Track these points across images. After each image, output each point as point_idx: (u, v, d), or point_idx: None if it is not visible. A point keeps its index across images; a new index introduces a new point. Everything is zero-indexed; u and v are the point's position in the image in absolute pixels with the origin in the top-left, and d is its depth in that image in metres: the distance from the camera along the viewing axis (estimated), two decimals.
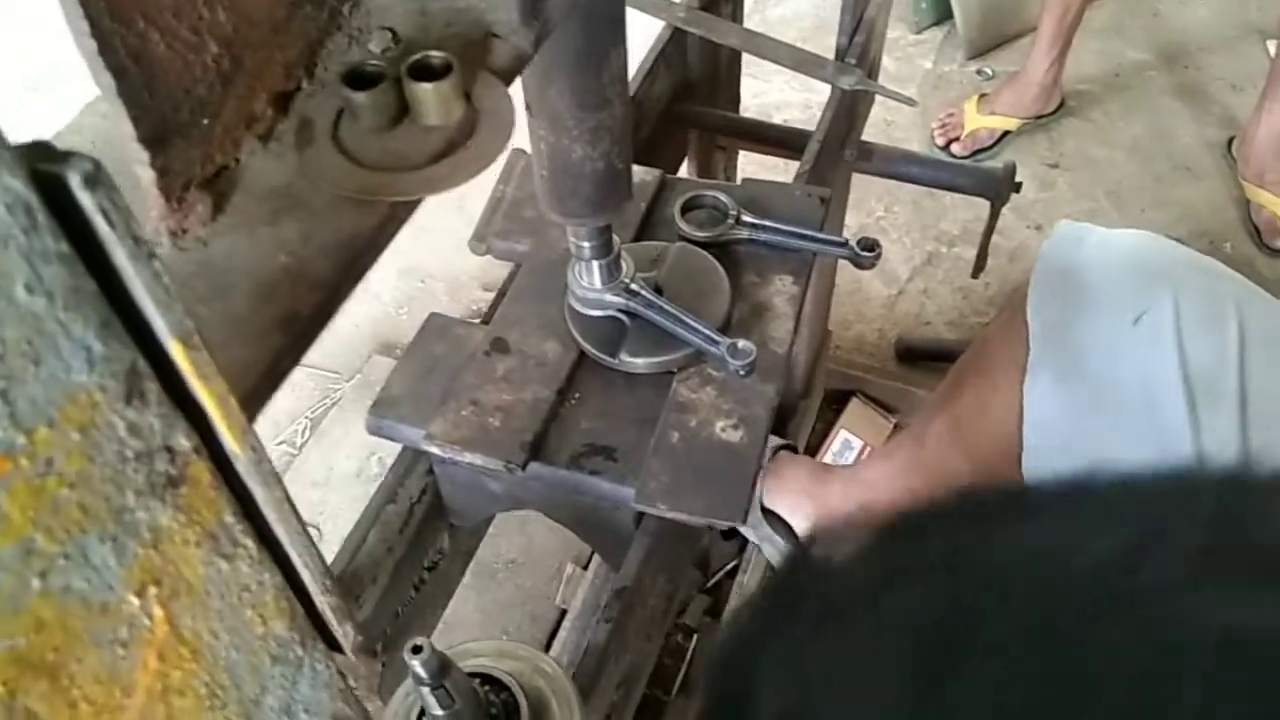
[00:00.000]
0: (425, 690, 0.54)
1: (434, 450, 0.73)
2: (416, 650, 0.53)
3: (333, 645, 0.35)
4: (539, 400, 0.75)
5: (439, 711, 0.55)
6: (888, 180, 2.10)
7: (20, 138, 0.20)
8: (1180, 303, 0.88)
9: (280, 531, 0.29)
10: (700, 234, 0.83)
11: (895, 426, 1.70)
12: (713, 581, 1.56)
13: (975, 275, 1.36)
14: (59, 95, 1.64)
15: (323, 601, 0.33)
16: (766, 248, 0.83)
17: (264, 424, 1.83)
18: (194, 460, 0.25)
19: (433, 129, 0.33)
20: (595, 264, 0.75)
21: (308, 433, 1.81)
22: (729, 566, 1.55)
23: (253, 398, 0.30)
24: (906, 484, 1.27)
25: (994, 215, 1.26)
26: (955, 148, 2.15)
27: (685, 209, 0.84)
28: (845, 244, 0.82)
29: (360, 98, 0.34)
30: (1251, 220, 1.97)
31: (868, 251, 0.81)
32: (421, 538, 0.82)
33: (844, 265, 2.00)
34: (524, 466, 0.72)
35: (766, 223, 0.83)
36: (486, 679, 0.61)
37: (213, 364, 0.24)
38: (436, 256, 1.98)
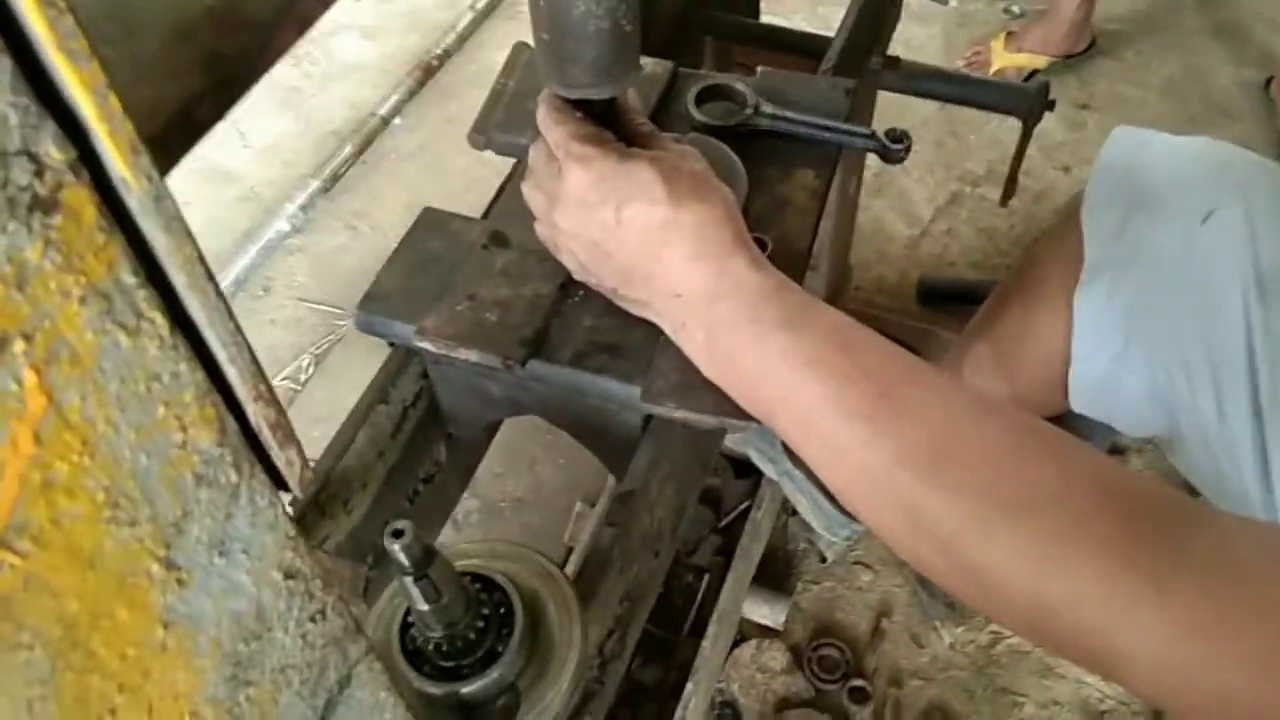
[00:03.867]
0: (409, 581, 0.49)
1: (426, 346, 0.68)
2: (398, 534, 0.48)
3: (279, 482, 0.30)
4: (539, 296, 0.70)
5: (424, 605, 0.51)
6: (910, 119, 2.04)
7: None
8: (1251, 200, 0.84)
9: (194, 306, 0.24)
10: (716, 122, 0.77)
11: None
12: (725, 522, 1.51)
13: (1004, 203, 1.30)
14: None
15: (256, 413, 0.27)
16: (787, 139, 0.77)
17: (267, 359, 1.79)
18: (71, 183, 0.20)
19: None
20: None
21: (311, 369, 1.76)
22: (742, 507, 1.51)
23: (163, 143, 0.24)
24: None
25: (1026, 134, 1.19)
26: None
27: (700, 98, 0.79)
28: (872, 135, 0.76)
29: None
30: None
31: (896, 143, 0.75)
32: (416, 445, 0.77)
33: (865, 206, 1.94)
34: (523, 363, 0.67)
35: (788, 113, 0.77)
36: (478, 578, 0.56)
37: (86, 41, 0.19)
38: (445, 195, 1.93)
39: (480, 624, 0.54)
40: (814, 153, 0.77)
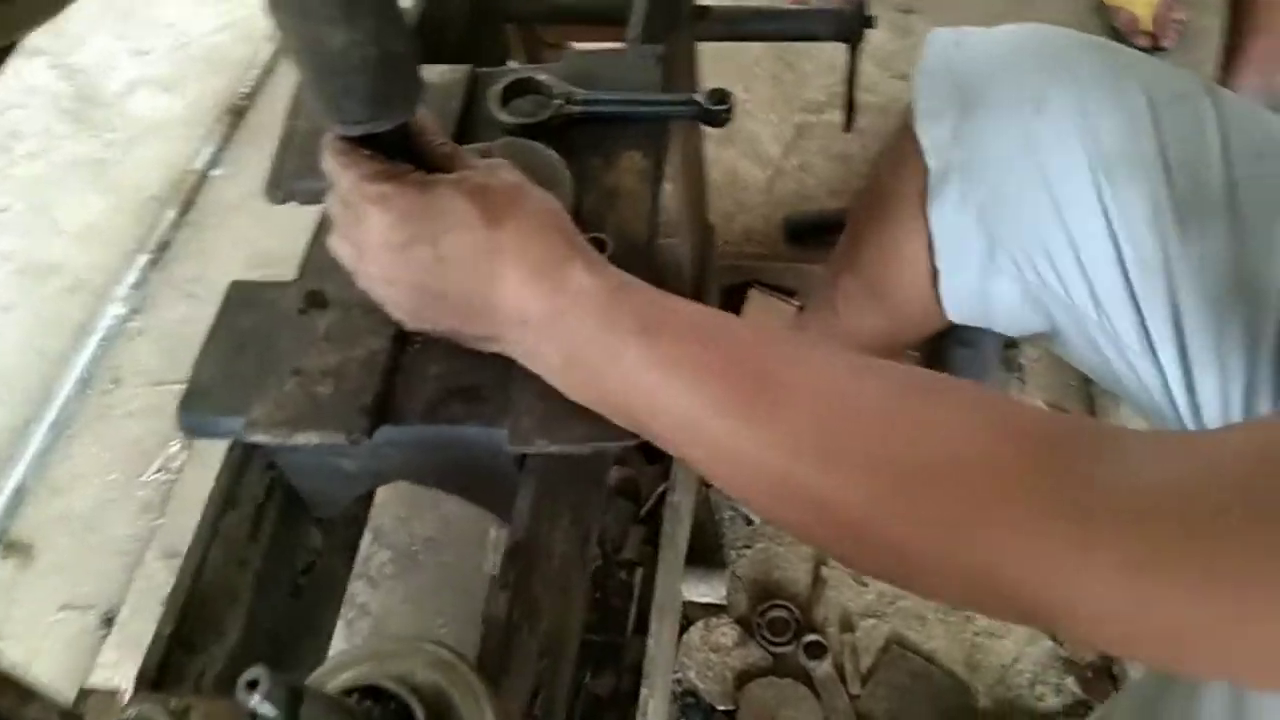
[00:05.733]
0: None
1: (260, 439, 0.61)
2: (253, 684, 0.41)
3: None
4: (373, 353, 0.63)
5: None
6: (741, 59, 2.00)
7: None
8: (1081, 80, 0.82)
9: None
10: (527, 120, 0.71)
11: (800, 309, 1.61)
12: (646, 509, 1.47)
13: (847, 128, 1.27)
14: None
15: None
16: (607, 123, 0.72)
17: (132, 454, 1.65)
18: None
19: None
20: None
21: (184, 454, 1.65)
22: (660, 490, 1.46)
23: None
24: None
25: (854, 57, 1.16)
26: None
27: (505, 97, 0.72)
28: (691, 101, 0.70)
29: None
30: (1113, 26, 1.92)
31: (719, 105, 0.70)
32: (283, 541, 0.70)
33: (716, 159, 1.90)
34: (370, 434, 0.60)
35: (601, 95, 0.72)
36: (367, 691, 0.50)
37: None
38: (282, 243, 1.82)
39: None
40: (637, 132, 0.71)
